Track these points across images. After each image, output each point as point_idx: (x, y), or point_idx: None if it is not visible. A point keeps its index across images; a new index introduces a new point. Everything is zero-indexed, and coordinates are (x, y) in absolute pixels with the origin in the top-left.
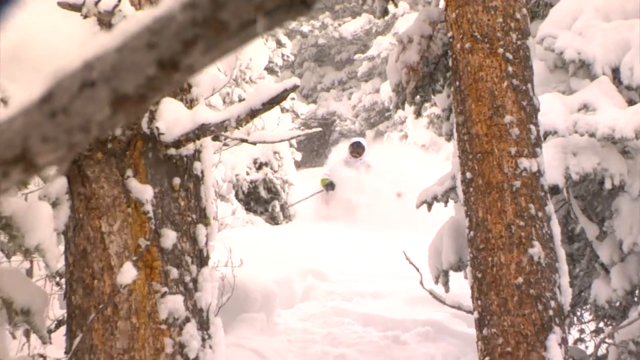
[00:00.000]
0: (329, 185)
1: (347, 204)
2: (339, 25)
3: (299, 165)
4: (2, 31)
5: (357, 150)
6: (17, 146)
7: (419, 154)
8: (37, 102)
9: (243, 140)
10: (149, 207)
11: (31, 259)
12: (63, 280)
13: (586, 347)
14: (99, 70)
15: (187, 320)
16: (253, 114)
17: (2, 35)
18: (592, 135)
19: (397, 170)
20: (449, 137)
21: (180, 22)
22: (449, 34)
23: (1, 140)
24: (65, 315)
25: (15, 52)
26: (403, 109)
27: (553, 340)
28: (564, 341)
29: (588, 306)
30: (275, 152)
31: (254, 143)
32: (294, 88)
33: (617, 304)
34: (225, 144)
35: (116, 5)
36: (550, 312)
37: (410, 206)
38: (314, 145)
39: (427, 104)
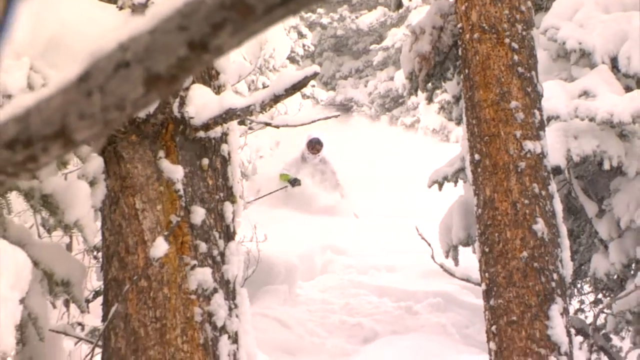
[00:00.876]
0: (295, 181)
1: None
2: (356, 17)
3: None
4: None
5: (315, 146)
6: (56, 123)
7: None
8: (75, 82)
9: (267, 124)
10: (179, 186)
11: (70, 234)
12: (100, 254)
13: (586, 317)
14: (133, 52)
15: (215, 291)
16: (276, 99)
17: (44, 25)
18: (591, 119)
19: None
20: (458, 122)
21: (209, 5)
22: (459, 25)
23: (41, 118)
24: (102, 286)
25: (56, 41)
26: (416, 95)
27: (555, 310)
28: (565, 311)
29: (588, 279)
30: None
31: (277, 126)
32: (314, 75)
33: (615, 276)
34: (250, 128)
35: None
36: (553, 284)
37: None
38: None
39: (438, 91)
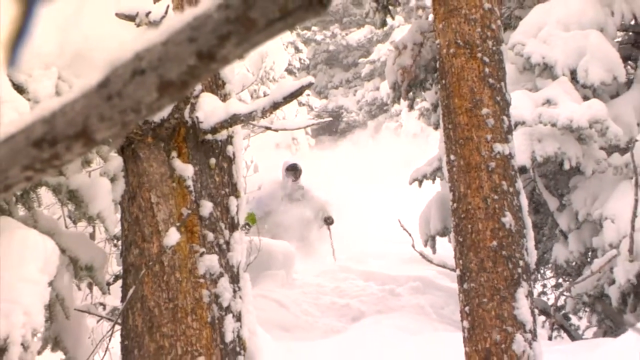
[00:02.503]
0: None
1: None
2: (346, 34)
3: (312, 148)
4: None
5: (294, 174)
6: (79, 124)
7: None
8: (96, 87)
9: (267, 128)
10: (190, 182)
11: (93, 225)
12: (119, 242)
13: (548, 299)
14: (147, 60)
15: (221, 275)
16: (276, 106)
17: (70, 39)
18: (553, 125)
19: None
20: (436, 126)
21: (216, 19)
22: (437, 42)
23: (65, 119)
24: (121, 270)
25: (80, 53)
26: (399, 103)
27: (521, 293)
28: (530, 294)
29: (550, 265)
30: (293, 138)
31: (277, 130)
32: (309, 85)
33: (574, 263)
34: (252, 131)
35: (163, 16)
36: (519, 270)
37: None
38: (325, 133)
39: (418, 99)
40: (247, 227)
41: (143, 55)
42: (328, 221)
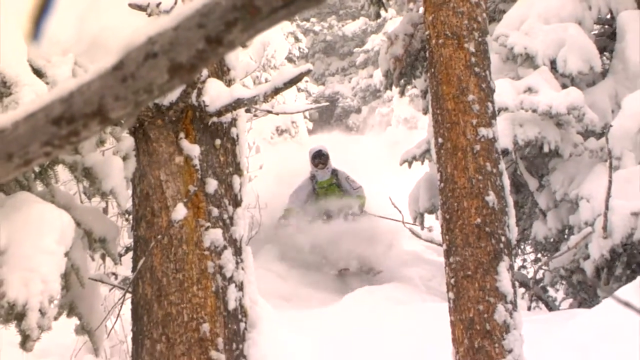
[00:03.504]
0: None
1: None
2: (342, 25)
3: (310, 132)
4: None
5: (320, 160)
6: (95, 103)
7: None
8: (111, 69)
9: (269, 112)
10: (196, 162)
11: (106, 200)
12: (130, 217)
13: (527, 272)
14: (159, 44)
15: (225, 248)
16: (277, 91)
17: (87, 28)
18: (534, 111)
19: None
20: (425, 112)
21: (223, 7)
22: (426, 33)
23: (82, 99)
24: (132, 243)
25: (96, 41)
26: (391, 89)
27: (503, 266)
28: (511, 267)
29: (529, 241)
30: (292, 122)
31: (277, 114)
32: (308, 72)
33: (552, 239)
34: (255, 115)
35: (173, 6)
36: (501, 245)
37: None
38: (322, 117)
39: (409, 86)
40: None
41: (155, 40)
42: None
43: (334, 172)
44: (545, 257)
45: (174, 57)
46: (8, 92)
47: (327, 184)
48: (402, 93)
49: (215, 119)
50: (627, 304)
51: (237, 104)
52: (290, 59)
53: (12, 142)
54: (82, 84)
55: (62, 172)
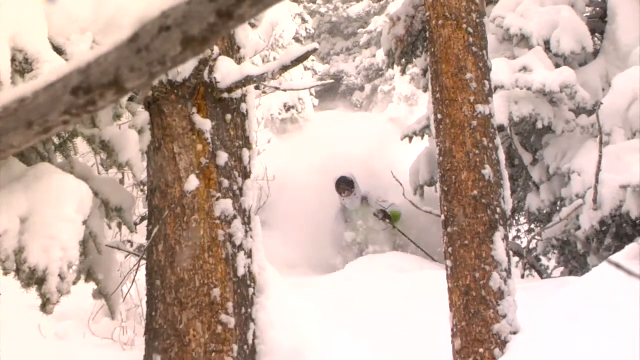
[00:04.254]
0: (385, 216)
1: None
2: (347, 7)
3: (316, 108)
4: (98, 5)
5: (346, 187)
6: (111, 74)
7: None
8: (126, 42)
9: (277, 89)
10: (208, 135)
11: (123, 172)
12: (145, 187)
13: (521, 242)
14: (173, 18)
15: (235, 217)
16: (284, 69)
17: (104, 8)
18: (529, 89)
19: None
20: (425, 89)
21: None
22: (427, 14)
23: (99, 70)
24: (147, 212)
25: (113, 20)
26: (393, 68)
27: (498, 236)
28: (505, 237)
29: (523, 212)
30: (299, 99)
31: (285, 90)
32: (314, 51)
33: (545, 211)
34: (264, 92)
35: None
36: (497, 216)
37: None
38: (327, 94)
39: (410, 65)
40: (389, 221)
41: (169, 14)
42: (381, 216)
43: (364, 199)
44: (539, 228)
45: (187, 30)
46: (30, 68)
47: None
48: (403, 72)
49: (226, 95)
50: (620, 267)
51: (246, 80)
52: (297, 39)
53: (32, 110)
54: (99, 56)
55: (80, 145)
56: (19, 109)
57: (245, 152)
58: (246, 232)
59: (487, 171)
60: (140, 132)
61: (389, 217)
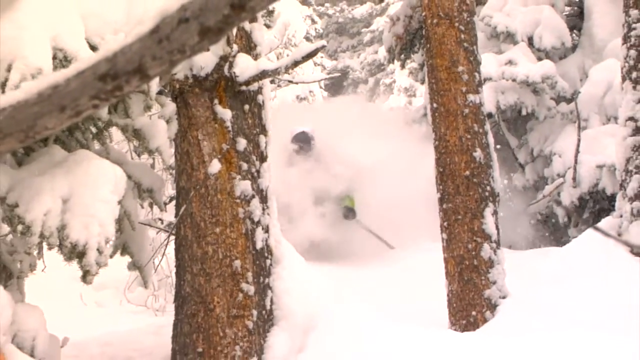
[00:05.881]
0: (350, 212)
1: None
2: (352, 9)
3: (325, 99)
4: (129, 8)
5: (304, 146)
6: (136, 62)
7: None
8: (149, 32)
9: (290, 82)
10: (228, 124)
11: (153, 157)
12: (173, 171)
13: None
14: (190, 11)
15: (253, 197)
16: (296, 63)
17: (134, 10)
18: (514, 80)
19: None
20: (422, 81)
21: None
22: (423, 14)
23: (124, 58)
24: (175, 193)
25: (141, 21)
26: (393, 63)
27: (488, 212)
28: (495, 212)
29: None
30: (310, 91)
31: (297, 83)
32: (322, 47)
33: (529, 188)
34: (278, 85)
35: None
36: (487, 194)
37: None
38: (335, 87)
39: (408, 60)
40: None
41: (187, 7)
42: (348, 216)
43: (317, 159)
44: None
45: (204, 22)
46: (69, 64)
47: None
48: (402, 66)
49: (244, 87)
50: (607, 234)
51: (262, 74)
52: (307, 38)
53: (65, 96)
54: (124, 46)
55: (115, 133)
56: (52, 94)
57: (262, 138)
58: (263, 209)
59: (478, 153)
60: (168, 121)
61: (353, 212)
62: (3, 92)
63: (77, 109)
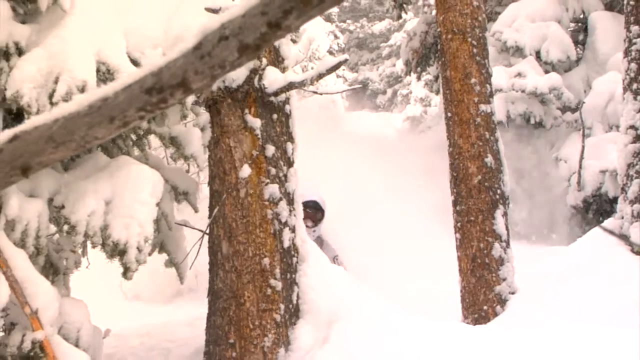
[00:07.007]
0: None
1: None
2: (372, 25)
3: (347, 108)
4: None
5: (313, 215)
6: (179, 76)
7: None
8: (192, 49)
9: (314, 92)
10: (258, 132)
11: (188, 162)
12: (207, 175)
13: None
14: (230, 29)
15: (281, 199)
16: (320, 76)
17: (172, 27)
18: (523, 91)
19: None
20: (437, 92)
21: None
22: (438, 30)
23: (169, 73)
24: (209, 195)
25: (180, 37)
26: (410, 75)
27: (498, 213)
28: (505, 214)
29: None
30: (332, 101)
31: (321, 94)
32: (345, 61)
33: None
34: (303, 96)
35: None
36: (497, 197)
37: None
38: (356, 97)
39: (424, 73)
40: None
41: (227, 25)
42: None
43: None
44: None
45: (242, 39)
46: (112, 77)
47: None
48: (418, 78)
49: (272, 98)
50: (612, 232)
51: (290, 86)
52: (330, 52)
53: (113, 107)
54: (169, 61)
55: (153, 140)
56: (102, 106)
57: (289, 145)
58: (290, 211)
59: (489, 159)
60: (202, 129)
61: None
62: (51, 102)
63: (125, 120)
